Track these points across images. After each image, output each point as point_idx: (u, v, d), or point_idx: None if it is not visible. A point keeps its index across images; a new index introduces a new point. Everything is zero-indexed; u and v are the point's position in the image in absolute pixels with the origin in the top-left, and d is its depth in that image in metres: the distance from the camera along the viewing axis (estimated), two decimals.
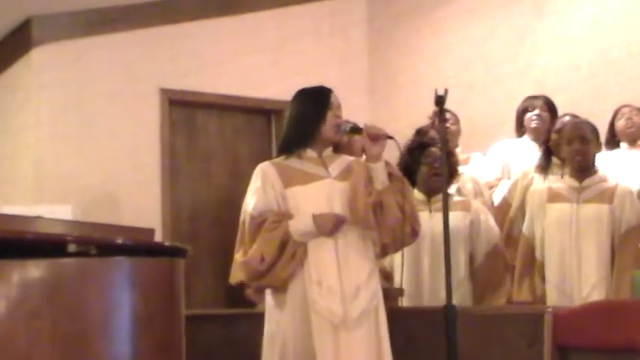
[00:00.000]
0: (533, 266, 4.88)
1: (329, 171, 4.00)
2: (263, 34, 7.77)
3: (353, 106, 8.08)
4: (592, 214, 4.72)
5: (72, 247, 2.88)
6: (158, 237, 6.14)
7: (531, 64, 6.98)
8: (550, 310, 3.92)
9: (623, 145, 5.69)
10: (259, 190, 3.91)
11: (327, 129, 3.99)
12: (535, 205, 4.94)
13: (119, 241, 3.06)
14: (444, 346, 3.71)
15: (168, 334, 3.16)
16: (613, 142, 5.74)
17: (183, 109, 7.33)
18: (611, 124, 5.76)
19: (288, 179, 3.92)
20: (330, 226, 3.81)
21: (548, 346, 3.87)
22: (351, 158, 4.16)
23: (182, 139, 7.35)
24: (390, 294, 4.80)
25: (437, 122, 6.16)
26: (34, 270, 2.78)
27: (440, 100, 3.79)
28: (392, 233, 3.93)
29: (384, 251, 4.07)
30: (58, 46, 6.88)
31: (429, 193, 5.12)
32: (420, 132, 5.85)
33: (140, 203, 6.83)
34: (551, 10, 6.93)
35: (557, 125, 5.33)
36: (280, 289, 3.84)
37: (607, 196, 4.75)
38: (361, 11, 8.44)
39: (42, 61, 6.82)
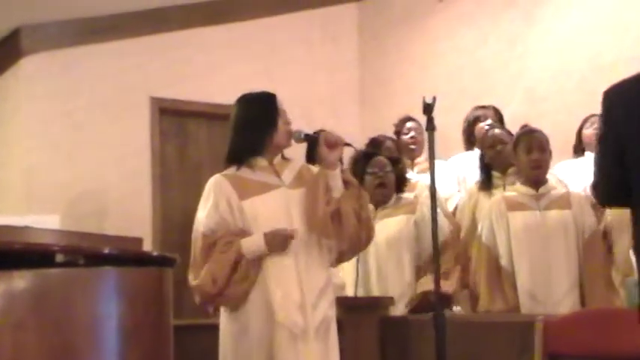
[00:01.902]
0: (500, 275, 4.87)
1: (282, 179, 3.92)
2: (253, 42, 7.76)
3: (344, 114, 8.15)
4: (557, 220, 4.78)
5: (59, 257, 2.85)
6: (148, 246, 6.13)
7: (522, 71, 6.99)
8: (541, 318, 3.92)
9: (588, 153, 5.69)
10: (211, 208, 3.84)
11: (280, 136, 3.92)
12: (494, 214, 4.93)
13: (106, 250, 3.04)
14: (434, 355, 3.70)
15: (157, 345, 3.14)
16: (579, 149, 5.77)
17: (173, 118, 7.31)
18: (579, 132, 5.79)
19: (244, 191, 3.84)
20: (282, 245, 3.75)
21: (538, 355, 3.86)
22: (299, 163, 4.10)
23: (172, 148, 7.33)
24: (381, 303, 4.80)
25: (403, 130, 6.22)
26: (20, 281, 2.75)
27: (428, 108, 3.78)
28: (350, 240, 3.90)
29: (340, 258, 4.05)
30: (48, 56, 6.86)
31: (376, 204, 5.10)
32: (373, 142, 5.85)
33: (130, 212, 6.81)
34: (542, 17, 6.94)
35: (493, 137, 5.41)
36: (234, 307, 3.79)
37: (564, 202, 4.84)
38: (352, 19, 8.44)
39: (31, 70, 6.81)
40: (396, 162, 5.21)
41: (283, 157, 4.02)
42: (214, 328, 3.95)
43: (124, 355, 2.94)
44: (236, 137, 3.99)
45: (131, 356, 2.97)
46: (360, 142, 7.09)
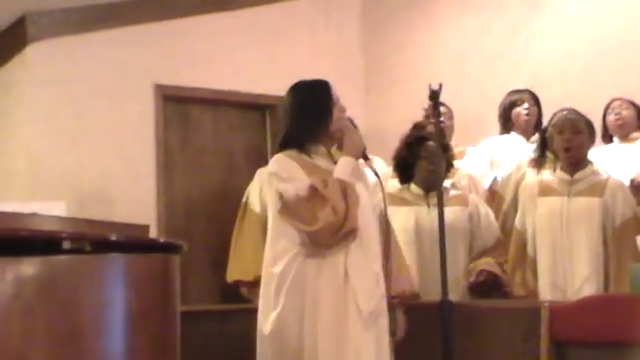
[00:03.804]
0: (525, 260, 4.87)
1: None
2: (257, 29, 7.75)
3: (348, 101, 8.04)
4: (583, 208, 4.71)
5: (66, 244, 2.86)
6: (153, 233, 6.13)
7: (526, 58, 6.98)
8: (547, 304, 3.93)
9: (616, 139, 5.68)
10: (288, 180, 3.87)
11: (335, 124, 3.99)
12: (526, 198, 4.94)
13: (113, 237, 3.04)
14: (440, 340, 3.71)
15: (163, 331, 3.15)
16: (607, 136, 5.73)
17: (177, 104, 7.31)
18: (604, 119, 5.75)
19: (310, 173, 3.88)
20: (360, 144, 3.94)
21: (544, 341, 3.87)
22: None
23: (176, 135, 7.33)
24: None
25: (432, 116, 6.23)
26: (28, 267, 2.76)
27: (434, 95, 3.80)
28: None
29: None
30: (53, 43, 6.85)
31: (428, 188, 5.11)
32: (417, 126, 5.86)
33: (134, 199, 6.81)
34: (546, 3, 6.93)
35: (554, 119, 5.25)
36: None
37: (598, 189, 4.75)
38: (356, 5, 8.43)
39: (36, 58, 6.80)
40: (445, 148, 5.18)
41: (339, 148, 4.07)
42: (219, 314, 3.97)
43: (131, 341, 2.95)
44: (293, 124, 4.02)
45: (138, 342, 2.98)
46: (364, 129, 7.13)
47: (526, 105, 5.96)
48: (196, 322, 5.13)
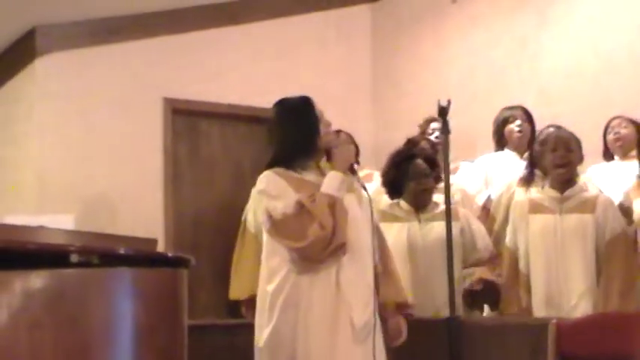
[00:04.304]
0: (518, 279, 4.86)
1: None
2: (267, 43, 7.77)
3: (356, 114, 8.15)
4: (576, 225, 4.72)
5: (74, 258, 2.87)
6: (161, 246, 6.14)
7: (535, 72, 6.98)
8: (554, 320, 3.92)
9: (616, 157, 5.68)
10: (277, 197, 3.89)
11: (322, 139, 4.02)
12: (517, 216, 4.93)
13: (121, 251, 3.05)
14: (448, 356, 3.71)
15: (171, 345, 3.15)
16: (608, 154, 5.73)
17: (186, 118, 7.32)
18: (605, 137, 5.75)
19: (298, 189, 3.90)
20: (349, 158, 3.97)
21: (551, 357, 3.86)
22: None
23: (185, 148, 7.34)
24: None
25: (428, 131, 6.25)
26: (37, 280, 2.77)
27: (443, 111, 3.79)
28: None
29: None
30: (62, 56, 6.88)
31: (417, 206, 5.13)
32: (410, 142, 5.87)
33: (143, 212, 6.82)
34: (554, 18, 6.93)
35: (541, 136, 5.22)
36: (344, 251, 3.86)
37: (589, 205, 4.76)
38: (365, 20, 8.44)
39: (46, 70, 6.82)
40: (432, 163, 5.20)
41: (328, 160, 4.11)
42: (226, 328, 3.98)
43: (139, 354, 2.95)
44: (281, 142, 4.06)
45: (146, 356, 2.98)
46: (373, 142, 7.14)
47: (518, 122, 5.95)
48: (203, 336, 5.12)
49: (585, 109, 6.33)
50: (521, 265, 4.84)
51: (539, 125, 5.69)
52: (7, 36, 6.95)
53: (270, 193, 3.93)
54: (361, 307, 3.84)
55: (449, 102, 3.78)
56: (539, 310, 4.71)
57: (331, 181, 3.91)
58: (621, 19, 6.49)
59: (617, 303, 4.54)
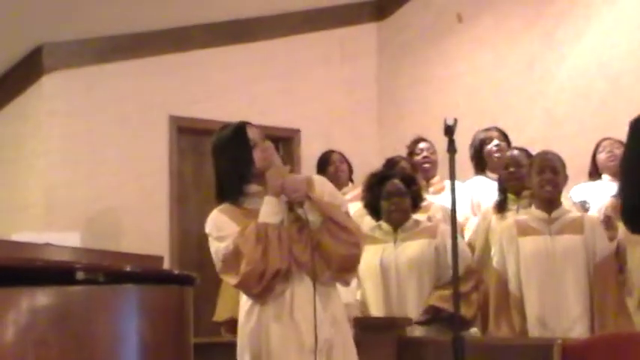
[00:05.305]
0: (508, 301, 4.85)
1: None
2: (273, 61, 7.79)
3: (362, 134, 8.17)
4: (568, 246, 4.72)
5: (80, 275, 2.86)
6: (166, 263, 6.14)
7: (541, 93, 7.00)
8: (560, 341, 3.91)
9: (605, 177, 5.70)
10: (220, 239, 3.89)
11: (259, 162, 3.91)
12: (505, 239, 4.91)
13: (127, 268, 3.05)
14: None
15: None
16: (596, 174, 5.76)
17: (191, 136, 7.34)
18: (593, 157, 5.78)
19: (242, 222, 3.85)
20: (279, 179, 3.82)
21: None
22: None
23: (190, 166, 7.35)
24: (398, 323, 4.80)
25: (416, 151, 6.26)
26: (43, 297, 2.76)
27: (449, 130, 3.77)
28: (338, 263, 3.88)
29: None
30: (69, 74, 6.91)
31: (395, 225, 5.13)
32: (389, 162, 5.89)
33: (148, 230, 6.83)
34: (560, 39, 6.94)
35: (510, 158, 5.41)
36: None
37: (577, 226, 4.77)
38: (371, 40, 8.47)
39: (52, 88, 6.85)
40: (410, 182, 5.22)
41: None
42: (231, 347, 3.97)
43: None
44: (217, 173, 4.03)
45: None
46: (378, 161, 7.13)
47: (495, 141, 5.96)
48: (208, 354, 5.11)
49: (591, 130, 6.33)
50: (512, 287, 4.83)
51: (546, 147, 5.70)
52: (14, 54, 6.99)
53: (213, 235, 3.93)
54: (311, 327, 3.79)
55: (455, 121, 3.76)
56: (533, 332, 4.70)
57: (265, 208, 3.84)
58: (628, 41, 6.50)
59: (613, 324, 4.54)
